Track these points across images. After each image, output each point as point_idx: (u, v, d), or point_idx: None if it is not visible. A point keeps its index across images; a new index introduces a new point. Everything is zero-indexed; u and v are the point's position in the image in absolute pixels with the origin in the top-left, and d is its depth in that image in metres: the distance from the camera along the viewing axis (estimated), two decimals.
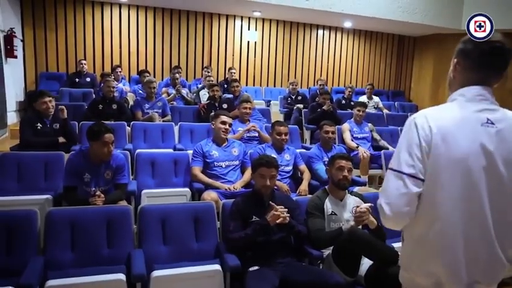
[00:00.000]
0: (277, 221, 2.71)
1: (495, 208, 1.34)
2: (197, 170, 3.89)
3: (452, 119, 1.37)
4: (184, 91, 7.23)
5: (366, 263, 2.72)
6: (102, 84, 6.26)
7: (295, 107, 7.48)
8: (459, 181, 1.33)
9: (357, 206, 2.89)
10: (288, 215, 2.76)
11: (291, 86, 8.02)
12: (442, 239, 1.34)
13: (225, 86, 7.87)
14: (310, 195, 3.36)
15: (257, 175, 2.97)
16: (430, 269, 1.37)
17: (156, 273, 2.46)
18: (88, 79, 7.58)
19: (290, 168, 4.21)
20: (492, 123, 1.36)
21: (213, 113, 4.86)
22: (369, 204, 2.84)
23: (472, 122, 1.36)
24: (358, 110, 6.09)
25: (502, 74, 1.43)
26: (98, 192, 3.22)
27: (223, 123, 4.05)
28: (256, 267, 2.69)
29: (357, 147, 5.58)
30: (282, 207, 2.77)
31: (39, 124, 4.39)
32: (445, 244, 1.34)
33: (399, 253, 2.60)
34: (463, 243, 1.33)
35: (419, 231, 1.39)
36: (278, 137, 4.22)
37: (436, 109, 1.42)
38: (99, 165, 3.35)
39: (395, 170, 1.37)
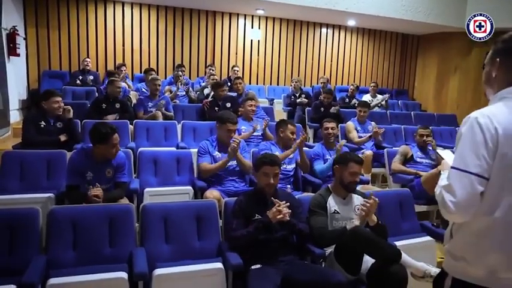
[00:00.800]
0: (278, 217, 2.70)
1: None
2: (206, 164, 3.88)
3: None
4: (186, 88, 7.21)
5: (368, 261, 2.71)
6: (106, 83, 6.24)
7: (298, 100, 7.51)
8: None
9: (362, 205, 2.88)
10: (289, 211, 2.74)
11: (293, 84, 8.01)
12: (502, 233, 1.39)
13: (229, 84, 7.84)
14: (313, 194, 3.35)
15: (260, 173, 2.96)
16: (488, 260, 1.41)
17: (158, 271, 2.46)
18: (91, 77, 7.58)
19: (293, 166, 4.20)
20: None
21: (217, 109, 4.80)
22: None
23: None
24: (360, 111, 6.09)
25: None
26: (97, 184, 3.20)
27: (229, 131, 4.00)
28: (258, 266, 2.68)
29: (370, 136, 5.70)
30: (284, 202, 2.77)
31: (42, 122, 4.38)
32: (504, 238, 1.39)
33: (402, 252, 2.62)
34: None
35: (478, 226, 1.42)
36: (292, 136, 4.21)
37: (493, 108, 1.44)
38: (101, 163, 3.35)
39: (461, 170, 1.39)
